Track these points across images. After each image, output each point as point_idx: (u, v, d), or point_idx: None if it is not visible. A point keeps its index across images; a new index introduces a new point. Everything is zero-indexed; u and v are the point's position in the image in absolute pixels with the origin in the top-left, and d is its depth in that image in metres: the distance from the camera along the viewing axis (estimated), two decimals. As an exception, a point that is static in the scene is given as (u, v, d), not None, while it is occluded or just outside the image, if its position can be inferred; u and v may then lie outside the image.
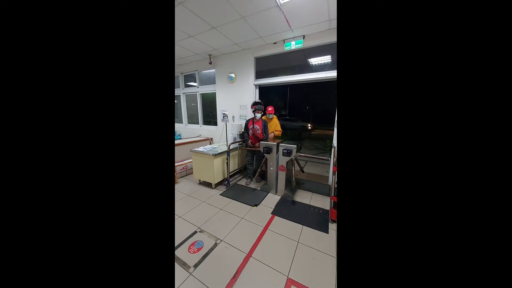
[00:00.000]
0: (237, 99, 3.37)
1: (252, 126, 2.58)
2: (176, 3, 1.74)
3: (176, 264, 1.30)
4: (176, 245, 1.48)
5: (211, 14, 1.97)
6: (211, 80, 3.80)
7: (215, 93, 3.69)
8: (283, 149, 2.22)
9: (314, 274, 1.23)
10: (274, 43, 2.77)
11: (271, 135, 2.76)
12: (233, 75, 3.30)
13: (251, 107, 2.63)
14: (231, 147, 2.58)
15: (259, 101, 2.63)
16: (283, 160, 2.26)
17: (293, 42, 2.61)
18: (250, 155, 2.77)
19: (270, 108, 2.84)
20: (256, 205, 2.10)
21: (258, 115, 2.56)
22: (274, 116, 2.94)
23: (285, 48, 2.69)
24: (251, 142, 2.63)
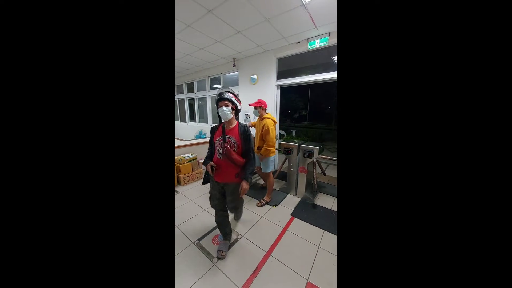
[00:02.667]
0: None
1: (222, 137, 1.21)
2: (205, 11, 1.88)
3: (201, 253, 1.41)
4: (201, 235, 1.60)
5: (237, 19, 2.06)
6: (234, 82, 3.95)
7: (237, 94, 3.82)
8: (305, 151, 2.18)
9: (335, 281, 1.19)
10: (297, 43, 2.73)
11: (260, 153, 1.68)
12: (255, 76, 3.37)
13: (219, 103, 1.19)
14: (252, 147, 2.63)
15: (230, 89, 1.24)
16: (304, 162, 2.22)
17: (317, 40, 2.53)
18: (217, 193, 1.32)
19: (257, 100, 1.84)
20: (275, 205, 2.11)
21: (227, 112, 1.16)
22: (268, 114, 1.83)
23: (309, 47, 2.63)
24: (215, 166, 1.22)
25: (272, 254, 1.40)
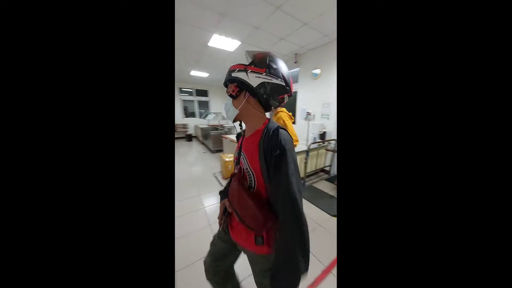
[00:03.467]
0: (320, 97, 3.12)
1: (239, 152, 0.59)
2: (274, 8, 1.89)
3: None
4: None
5: (304, 10, 1.94)
6: (293, 80, 3.84)
7: (295, 92, 3.67)
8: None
9: None
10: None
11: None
12: (318, 71, 3.10)
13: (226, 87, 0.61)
14: (311, 147, 2.44)
15: (255, 51, 0.57)
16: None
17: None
18: (224, 249, 0.72)
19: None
20: (335, 216, 1.84)
21: (228, 107, 0.60)
22: (282, 110, 1.64)
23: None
24: (229, 211, 0.63)
25: (332, 271, 1.22)
